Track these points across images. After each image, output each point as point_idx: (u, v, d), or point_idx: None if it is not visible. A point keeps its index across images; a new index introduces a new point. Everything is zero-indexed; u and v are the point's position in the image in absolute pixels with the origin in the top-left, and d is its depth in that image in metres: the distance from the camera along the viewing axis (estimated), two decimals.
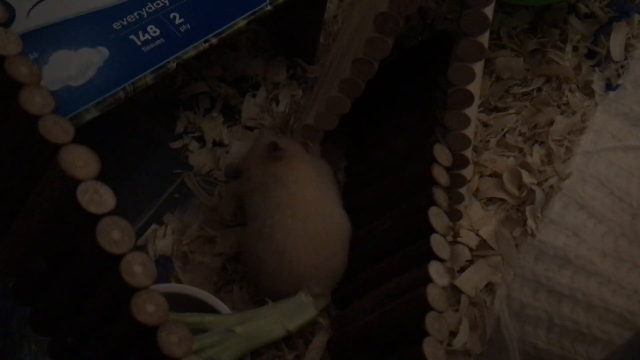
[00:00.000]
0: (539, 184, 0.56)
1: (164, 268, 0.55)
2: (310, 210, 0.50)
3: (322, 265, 0.50)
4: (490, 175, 0.58)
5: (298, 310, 0.49)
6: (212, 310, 0.48)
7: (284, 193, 0.50)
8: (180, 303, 0.46)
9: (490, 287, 0.53)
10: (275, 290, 0.50)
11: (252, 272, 0.52)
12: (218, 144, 0.62)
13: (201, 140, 0.63)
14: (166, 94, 0.65)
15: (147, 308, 0.31)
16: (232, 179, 0.55)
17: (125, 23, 0.49)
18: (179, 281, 0.54)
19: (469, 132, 0.49)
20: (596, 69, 0.63)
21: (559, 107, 0.61)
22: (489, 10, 0.43)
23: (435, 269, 0.44)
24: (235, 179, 0.54)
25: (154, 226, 0.57)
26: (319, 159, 0.56)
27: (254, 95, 0.65)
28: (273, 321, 0.48)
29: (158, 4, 0.50)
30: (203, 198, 0.59)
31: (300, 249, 0.49)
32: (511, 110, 0.62)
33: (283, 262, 0.49)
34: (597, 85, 0.62)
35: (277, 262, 0.49)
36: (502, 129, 0.61)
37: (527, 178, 0.56)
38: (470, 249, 0.54)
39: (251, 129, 0.63)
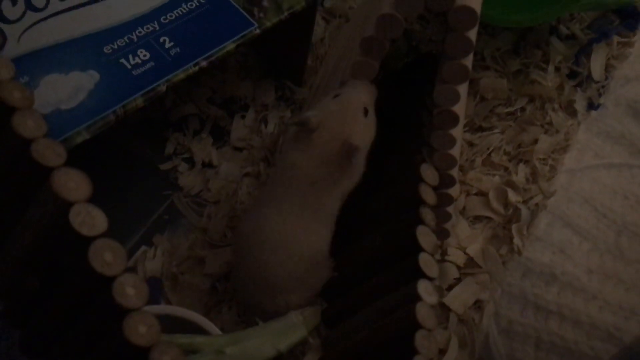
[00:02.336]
0: (525, 202, 0.57)
1: (153, 289, 0.55)
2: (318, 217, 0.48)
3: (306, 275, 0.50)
4: (476, 194, 0.59)
5: (288, 330, 0.49)
6: (202, 331, 0.48)
7: (315, 199, 0.47)
8: (170, 324, 0.46)
9: (478, 305, 0.53)
10: (255, 291, 0.50)
11: (236, 264, 0.51)
12: (207, 165, 0.63)
13: (190, 161, 0.63)
14: (156, 116, 0.65)
15: (139, 329, 0.31)
16: (297, 126, 0.47)
17: (115, 47, 0.50)
18: (168, 302, 0.54)
19: (455, 151, 0.50)
20: (578, 89, 0.65)
21: (542, 126, 0.62)
22: (472, 34, 0.44)
23: (424, 288, 0.44)
24: (301, 128, 0.46)
25: (143, 247, 0.57)
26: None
27: (243, 117, 0.65)
28: (263, 341, 0.48)
29: (148, 28, 0.51)
30: (192, 219, 0.59)
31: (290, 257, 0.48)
32: (496, 130, 0.63)
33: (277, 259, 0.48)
34: (579, 105, 0.64)
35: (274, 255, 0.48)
36: (488, 148, 0.62)
37: (512, 196, 0.57)
38: (458, 267, 0.55)
39: (240, 149, 0.64)
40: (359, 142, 0.46)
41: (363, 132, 0.48)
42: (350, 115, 0.47)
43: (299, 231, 0.48)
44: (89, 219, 0.32)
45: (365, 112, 0.48)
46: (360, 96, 0.48)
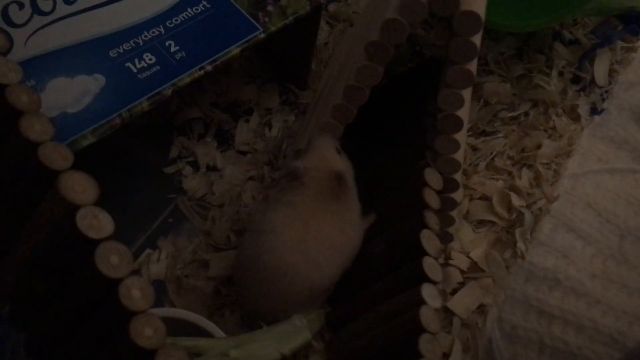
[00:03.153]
0: (528, 206, 0.57)
1: (157, 292, 0.55)
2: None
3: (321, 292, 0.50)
4: (479, 198, 0.59)
5: (292, 334, 0.49)
6: (206, 334, 0.48)
7: (316, 231, 0.49)
8: (174, 327, 0.46)
9: (481, 309, 0.53)
10: (258, 306, 0.50)
11: (243, 288, 0.52)
12: (212, 168, 0.63)
13: (195, 165, 0.63)
14: (160, 120, 0.65)
15: (146, 332, 0.31)
16: (287, 176, 0.51)
17: (121, 51, 0.50)
18: (173, 305, 0.55)
19: (459, 156, 0.50)
20: (581, 93, 0.65)
21: (546, 131, 0.63)
22: (476, 39, 0.44)
23: (428, 291, 0.44)
24: (290, 180, 0.50)
25: (147, 251, 0.58)
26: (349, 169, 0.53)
27: (247, 121, 0.66)
28: (267, 345, 0.48)
29: (154, 32, 0.51)
30: (197, 222, 0.59)
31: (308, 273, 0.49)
32: (499, 135, 0.63)
33: (287, 283, 0.49)
34: (583, 110, 0.64)
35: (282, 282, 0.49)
36: (491, 153, 0.62)
37: (516, 201, 0.57)
38: (462, 271, 0.55)
39: (244, 153, 0.64)
40: (344, 171, 0.50)
41: (343, 164, 0.51)
42: (326, 152, 0.51)
43: (299, 261, 0.48)
44: (96, 222, 0.32)
45: (338, 150, 0.51)
46: (328, 139, 0.52)
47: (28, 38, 0.49)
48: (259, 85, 0.68)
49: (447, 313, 0.53)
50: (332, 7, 0.74)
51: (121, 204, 0.60)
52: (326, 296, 0.52)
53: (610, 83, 0.65)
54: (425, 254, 0.46)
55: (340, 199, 0.50)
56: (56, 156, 0.33)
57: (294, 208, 0.49)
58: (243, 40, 0.52)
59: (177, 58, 0.51)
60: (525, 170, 0.60)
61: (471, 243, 0.56)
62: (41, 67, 0.48)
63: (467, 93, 0.48)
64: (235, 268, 0.54)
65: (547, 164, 0.60)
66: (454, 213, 0.54)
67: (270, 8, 0.54)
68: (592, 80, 0.65)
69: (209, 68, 0.51)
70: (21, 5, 0.51)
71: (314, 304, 0.51)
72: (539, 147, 0.61)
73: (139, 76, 0.49)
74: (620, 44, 0.67)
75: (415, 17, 0.44)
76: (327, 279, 0.50)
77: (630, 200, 0.57)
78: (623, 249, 0.54)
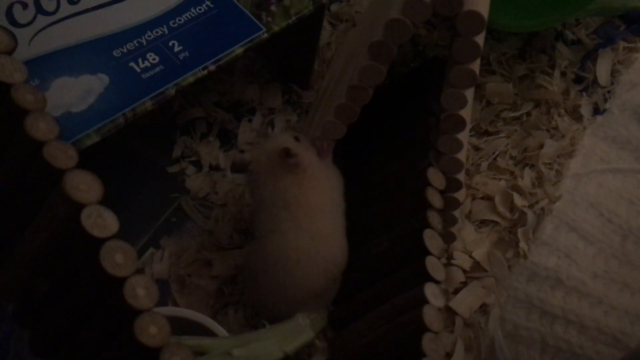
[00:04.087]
0: (530, 206, 0.57)
1: (161, 292, 0.55)
2: (317, 237, 0.49)
3: (324, 290, 0.51)
4: (482, 198, 0.59)
5: (295, 333, 0.49)
6: (209, 333, 0.48)
7: (293, 217, 0.49)
8: (178, 326, 0.46)
9: (484, 309, 0.53)
10: (273, 311, 0.51)
11: (251, 290, 0.53)
12: (214, 168, 0.63)
13: (198, 164, 0.63)
14: (163, 119, 0.66)
15: (150, 330, 0.31)
16: (237, 172, 0.53)
17: (125, 50, 0.50)
18: (176, 304, 0.55)
19: (462, 155, 0.50)
20: (584, 93, 0.65)
21: (548, 131, 0.63)
22: (480, 39, 0.44)
23: (431, 291, 0.44)
24: (240, 172, 0.52)
25: (151, 250, 0.58)
26: (332, 167, 0.54)
27: (250, 120, 0.66)
28: (270, 344, 0.48)
29: (157, 32, 0.52)
30: (200, 222, 0.60)
31: (307, 274, 0.49)
32: (502, 134, 0.63)
33: (287, 284, 0.49)
34: (585, 110, 0.64)
35: (282, 283, 0.49)
36: (493, 153, 0.62)
37: (518, 200, 0.57)
38: (464, 271, 0.55)
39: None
40: (297, 150, 0.50)
41: (299, 146, 0.51)
42: (277, 137, 0.53)
43: (305, 240, 0.49)
44: (100, 221, 0.32)
45: (296, 138, 0.52)
46: (287, 132, 0.54)
47: (32, 38, 0.49)
48: (261, 85, 0.68)
49: (449, 312, 0.53)
50: (334, 7, 0.74)
51: (124, 203, 0.60)
52: (336, 289, 0.52)
53: (612, 83, 0.65)
54: (428, 253, 0.46)
55: (296, 172, 0.50)
56: (61, 155, 0.34)
57: (266, 199, 0.50)
58: (246, 40, 0.52)
59: (181, 58, 0.51)
60: (527, 170, 0.60)
61: (474, 243, 0.56)
62: (45, 66, 0.48)
63: (469, 93, 0.48)
64: (246, 265, 0.54)
65: (549, 164, 0.60)
66: (456, 213, 0.54)
67: (273, 8, 0.54)
68: (595, 81, 0.65)
69: (212, 68, 0.51)
70: (25, 5, 0.51)
71: (332, 293, 0.52)
72: (541, 147, 0.61)
73: (142, 76, 0.49)
74: (622, 44, 0.67)
75: (419, 17, 0.44)
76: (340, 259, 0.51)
77: (632, 200, 0.57)
78: (625, 249, 0.54)
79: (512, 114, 0.64)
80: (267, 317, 0.51)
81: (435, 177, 0.50)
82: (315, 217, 0.50)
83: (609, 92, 0.65)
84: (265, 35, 0.53)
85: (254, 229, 0.52)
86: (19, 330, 0.49)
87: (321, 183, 0.51)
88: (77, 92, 0.48)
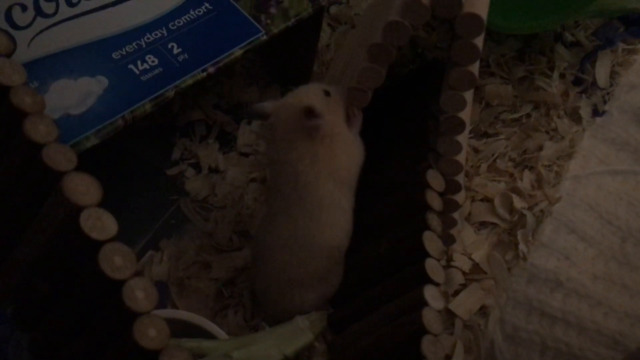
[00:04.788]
0: (530, 208, 0.57)
1: (160, 294, 0.55)
2: (324, 224, 0.48)
3: (327, 273, 0.51)
4: (481, 200, 0.59)
5: (295, 335, 0.49)
6: (209, 335, 0.48)
7: (302, 202, 0.47)
8: (177, 329, 0.46)
9: (483, 311, 0.53)
10: (277, 296, 0.51)
11: (258, 271, 0.52)
12: (214, 170, 0.63)
13: (197, 166, 0.63)
14: (163, 122, 0.66)
15: (149, 333, 0.31)
16: (250, 118, 0.50)
17: (124, 53, 0.50)
18: (175, 307, 0.55)
19: (461, 157, 0.50)
20: (583, 95, 0.65)
21: (547, 132, 0.63)
22: (479, 41, 0.44)
23: (430, 293, 0.44)
24: (257, 119, 0.49)
25: (150, 252, 0.58)
26: (358, 140, 0.50)
27: (249, 123, 0.66)
28: (270, 346, 0.48)
29: (156, 34, 0.52)
30: (199, 224, 0.60)
31: (310, 257, 0.49)
32: (501, 136, 0.63)
33: (292, 264, 0.49)
34: (584, 112, 0.64)
35: (288, 261, 0.49)
36: (493, 155, 0.62)
37: (517, 202, 0.57)
38: (464, 273, 0.55)
39: (246, 155, 0.64)
40: (321, 109, 0.45)
41: (326, 106, 0.46)
42: (306, 93, 0.47)
43: (312, 228, 0.48)
44: (99, 223, 0.32)
45: (327, 92, 0.48)
46: (318, 85, 0.48)
47: (31, 40, 0.49)
48: (261, 87, 0.68)
49: (449, 315, 0.53)
50: (333, 10, 0.74)
51: (123, 205, 0.60)
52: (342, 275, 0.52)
53: (611, 85, 0.65)
54: (428, 255, 0.46)
55: (315, 138, 0.45)
56: (60, 157, 0.34)
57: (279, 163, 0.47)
58: (245, 42, 0.52)
59: (180, 60, 0.51)
60: (526, 172, 0.60)
61: (473, 245, 0.56)
62: (44, 68, 0.48)
63: (469, 95, 0.48)
64: (254, 243, 0.53)
65: (548, 165, 0.60)
66: (456, 215, 0.54)
67: (272, 10, 0.55)
68: (594, 82, 0.66)
69: (211, 70, 0.51)
70: (24, 8, 0.51)
71: (335, 278, 0.51)
72: (540, 148, 0.61)
73: (141, 78, 0.49)
74: (621, 46, 0.67)
75: (418, 19, 0.44)
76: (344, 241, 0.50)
77: (632, 202, 0.57)
78: (625, 251, 0.54)
79: (512, 116, 0.64)
80: (270, 305, 0.51)
81: (434, 179, 0.50)
82: (324, 205, 0.48)
83: (608, 93, 0.65)
84: (265, 37, 0.53)
85: (268, 196, 0.50)
86: (17, 333, 0.49)
87: (338, 160, 0.47)
88: (76, 94, 0.48)
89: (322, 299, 0.52)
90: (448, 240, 0.55)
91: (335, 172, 0.47)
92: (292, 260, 0.49)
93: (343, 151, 0.48)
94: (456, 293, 0.54)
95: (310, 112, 0.45)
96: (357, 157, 0.49)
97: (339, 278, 0.52)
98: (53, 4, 0.51)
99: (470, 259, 0.56)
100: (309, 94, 0.47)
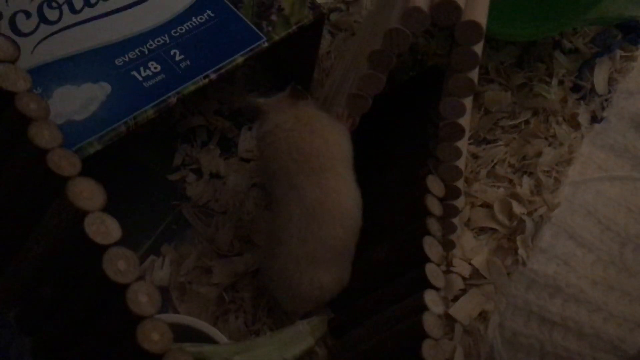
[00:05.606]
0: (529, 213, 0.58)
1: (161, 299, 0.55)
2: (331, 191, 0.49)
3: (345, 246, 0.51)
4: (481, 206, 0.60)
5: (295, 340, 0.49)
6: (210, 340, 0.48)
7: (308, 170, 0.49)
8: (178, 333, 0.46)
9: (483, 316, 0.54)
10: (298, 276, 0.50)
11: (274, 258, 0.52)
12: (215, 175, 0.63)
13: (198, 172, 0.64)
14: (164, 127, 0.66)
15: (152, 336, 0.31)
16: (248, 112, 0.55)
17: (127, 59, 0.51)
18: (176, 312, 0.55)
19: (461, 163, 0.51)
20: (581, 102, 0.65)
21: (546, 139, 0.63)
22: (478, 48, 0.45)
23: (430, 298, 0.44)
24: (250, 112, 0.54)
25: (151, 257, 0.58)
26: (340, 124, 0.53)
27: (250, 128, 0.66)
28: (271, 350, 0.48)
29: (159, 41, 0.52)
30: (200, 229, 0.60)
31: (326, 227, 0.49)
32: (500, 142, 0.63)
33: (308, 239, 0.49)
34: (583, 118, 0.64)
35: (304, 238, 0.49)
36: (492, 161, 0.62)
37: (517, 208, 0.58)
38: (464, 278, 0.55)
39: (247, 160, 0.64)
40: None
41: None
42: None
43: (318, 193, 0.49)
44: (103, 228, 0.33)
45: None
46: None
47: (35, 46, 0.50)
48: (262, 94, 0.68)
49: (448, 320, 0.53)
50: (334, 17, 0.75)
51: (125, 210, 0.60)
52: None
53: (610, 92, 0.66)
54: (428, 260, 0.47)
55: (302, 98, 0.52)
56: (64, 163, 0.34)
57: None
58: (247, 49, 0.53)
59: (182, 67, 0.51)
60: (526, 178, 0.60)
61: (473, 250, 0.57)
62: (48, 75, 0.49)
63: (468, 101, 0.49)
64: (268, 232, 0.54)
65: (547, 171, 0.60)
66: (455, 220, 0.54)
67: (273, 17, 0.55)
68: (592, 89, 0.66)
69: (213, 76, 0.51)
70: (28, 15, 0.51)
71: (349, 255, 0.52)
72: (539, 155, 0.61)
73: (144, 84, 0.50)
74: (619, 53, 0.68)
75: (418, 26, 0.44)
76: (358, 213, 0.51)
77: (630, 207, 0.58)
78: (624, 257, 0.55)
79: (511, 122, 0.65)
80: (289, 291, 0.51)
81: (434, 184, 0.50)
82: (327, 170, 0.49)
83: (606, 100, 0.65)
84: (266, 44, 0.53)
85: (271, 192, 0.52)
86: (20, 337, 0.49)
87: (332, 135, 0.51)
88: (80, 100, 0.48)
89: (338, 285, 0.51)
90: (448, 245, 0.55)
91: (330, 144, 0.51)
92: (306, 234, 0.49)
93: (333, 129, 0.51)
94: (456, 298, 0.54)
95: (295, 88, 0.52)
96: (345, 134, 0.53)
97: (351, 258, 0.52)
98: (56, 11, 0.52)
99: (470, 264, 0.56)
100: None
